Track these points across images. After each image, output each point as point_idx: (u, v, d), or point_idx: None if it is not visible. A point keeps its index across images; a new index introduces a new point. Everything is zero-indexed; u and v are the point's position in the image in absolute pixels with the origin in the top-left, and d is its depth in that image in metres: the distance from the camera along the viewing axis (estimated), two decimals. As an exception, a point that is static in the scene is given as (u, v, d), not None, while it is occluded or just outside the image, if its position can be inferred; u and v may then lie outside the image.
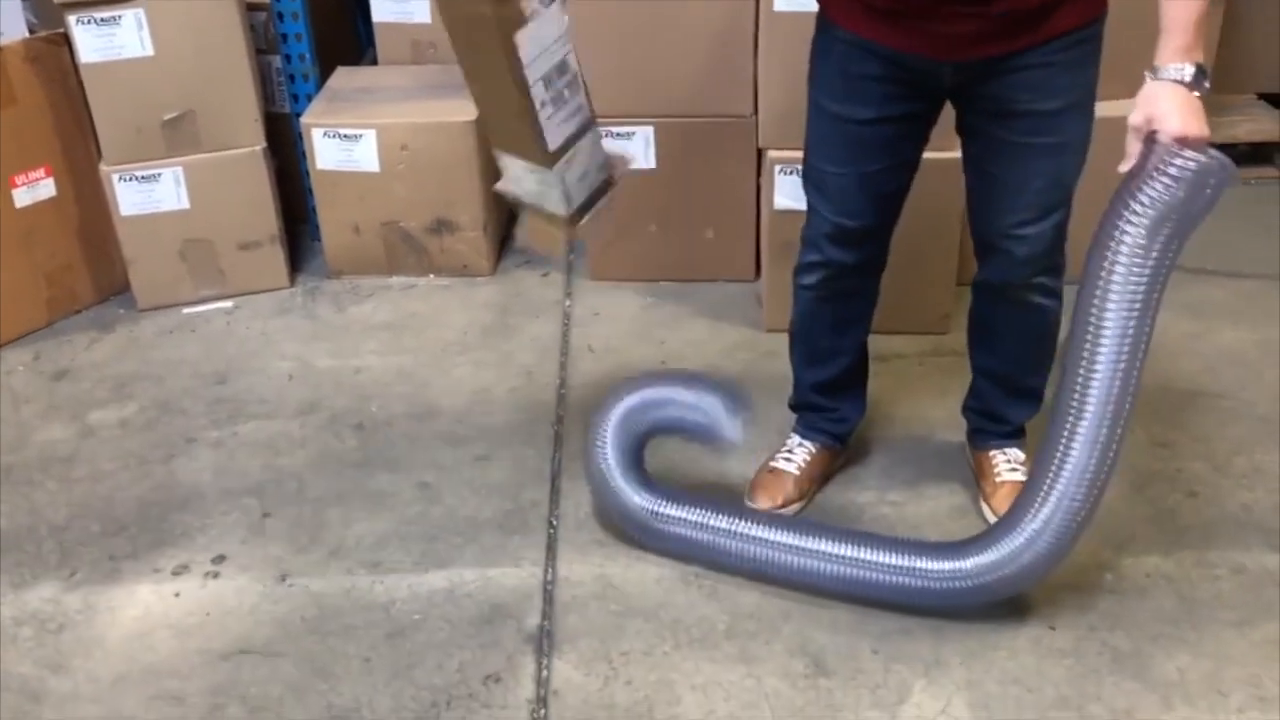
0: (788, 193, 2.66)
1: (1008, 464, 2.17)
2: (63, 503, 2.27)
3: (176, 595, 2.04)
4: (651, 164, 2.87)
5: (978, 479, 2.21)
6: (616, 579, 2.04)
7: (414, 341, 2.78)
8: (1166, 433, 2.38)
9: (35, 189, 2.79)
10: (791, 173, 2.69)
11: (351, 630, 1.95)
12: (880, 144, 1.90)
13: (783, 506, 2.15)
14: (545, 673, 1.85)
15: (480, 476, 2.31)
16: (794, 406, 2.27)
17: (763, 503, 2.16)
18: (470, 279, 3.02)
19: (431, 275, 3.04)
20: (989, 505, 2.14)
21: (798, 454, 2.22)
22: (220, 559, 2.12)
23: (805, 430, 2.25)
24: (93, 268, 2.95)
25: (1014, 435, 2.20)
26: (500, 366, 2.67)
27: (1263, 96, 3.53)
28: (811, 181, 2.01)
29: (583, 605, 1.98)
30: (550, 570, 2.07)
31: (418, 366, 2.68)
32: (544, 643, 1.91)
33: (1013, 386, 2.16)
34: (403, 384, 2.62)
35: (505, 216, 3.24)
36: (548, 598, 2.00)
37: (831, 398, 2.22)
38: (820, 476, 2.24)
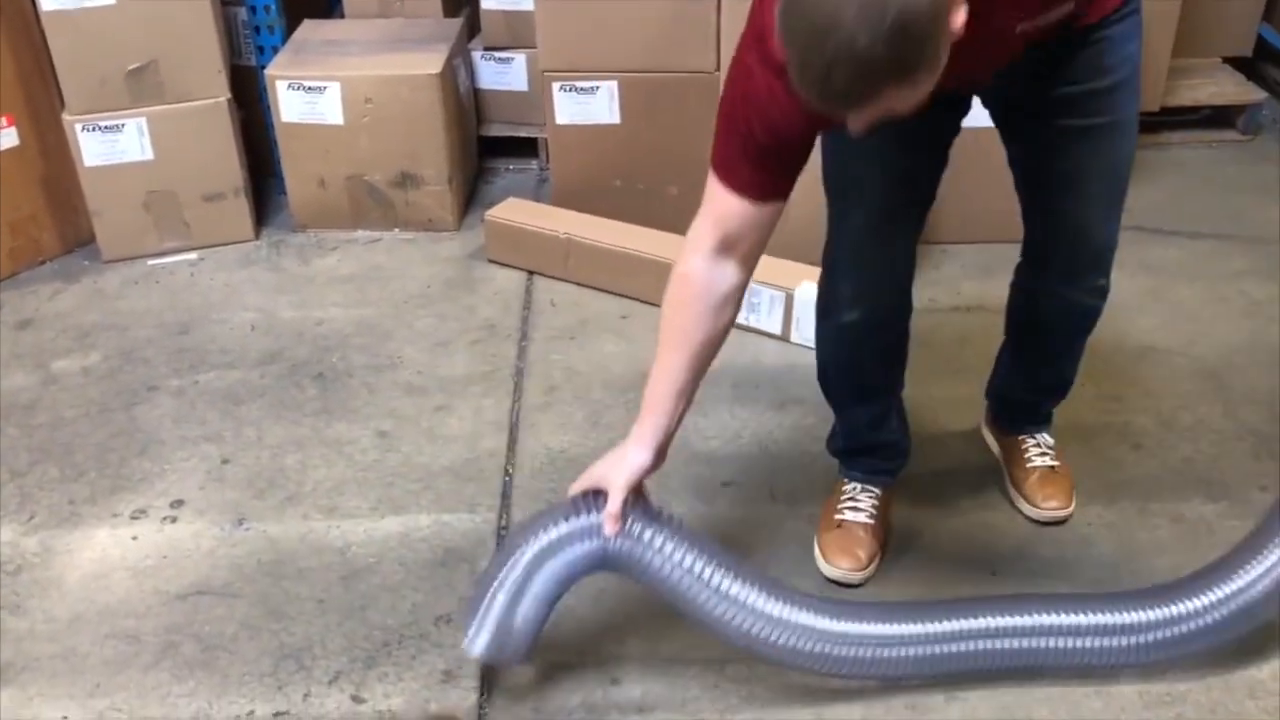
0: (749, 148, 2.68)
1: (1038, 449, 2.11)
2: (23, 448, 2.29)
3: (134, 539, 2.06)
4: (616, 119, 2.89)
5: (1005, 464, 2.15)
6: (569, 525, 2.07)
7: (377, 294, 2.80)
8: (1117, 387, 2.42)
9: (-3, 138, 2.79)
10: (753, 128, 2.71)
11: (306, 573, 1.98)
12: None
13: (867, 565, 1.94)
14: (496, 614, 1.89)
15: (438, 426, 2.33)
16: (842, 452, 2.05)
17: (845, 564, 1.93)
18: (435, 233, 3.04)
19: (396, 229, 3.05)
20: (1020, 492, 2.08)
21: (863, 500, 2.00)
22: (178, 504, 2.14)
23: (865, 475, 2.02)
24: (57, 219, 2.95)
25: (1046, 420, 2.15)
26: (462, 319, 2.69)
27: (1227, 60, 3.56)
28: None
29: (535, 550, 2.02)
30: (505, 516, 2.10)
31: (380, 318, 2.70)
32: (495, 585, 1.94)
33: (1054, 380, 2.09)
34: (364, 335, 2.64)
35: (471, 172, 3.25)
36: (500, 542, 2.03)
37: (886, 431, 2.01)
38: (889, 520, 2.02)
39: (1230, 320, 2.64)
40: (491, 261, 2.91)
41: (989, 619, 1.67)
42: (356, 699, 1.74)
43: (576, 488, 1.66)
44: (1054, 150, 1.74)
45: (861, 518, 1.98)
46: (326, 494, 2.15)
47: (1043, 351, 2.05)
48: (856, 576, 1.93)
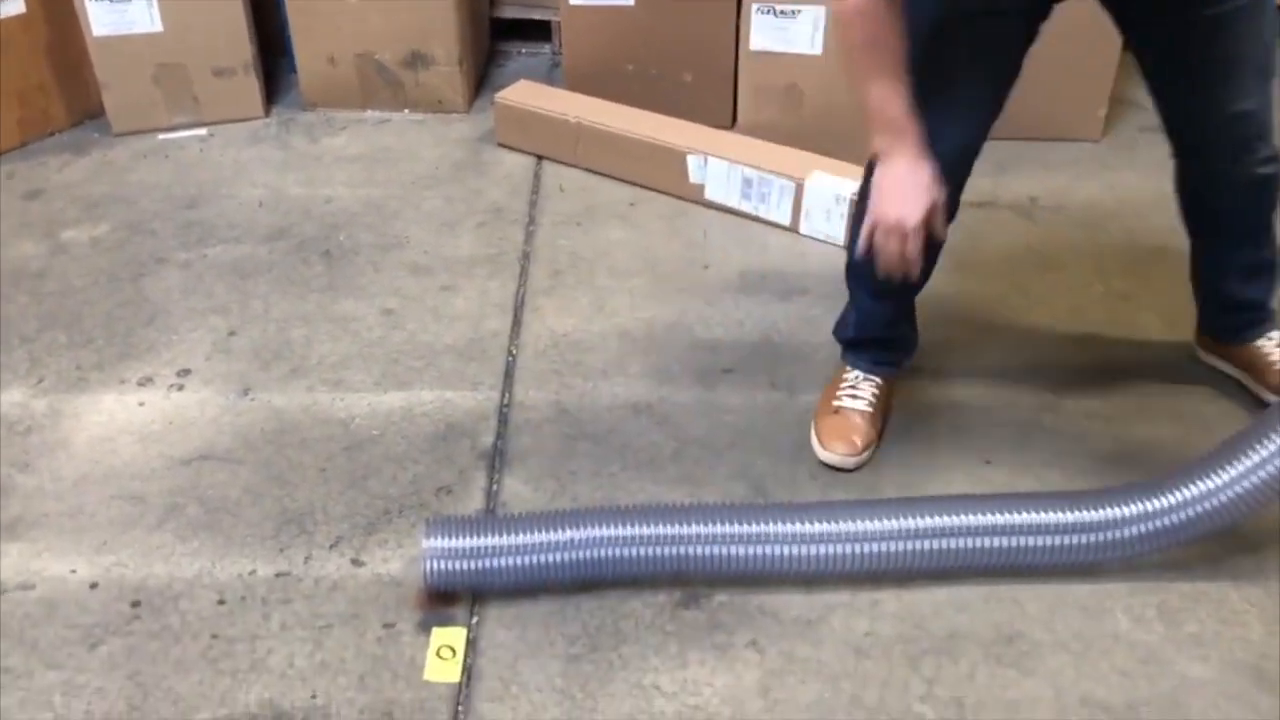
0: (765, 34, 2.64)
1: (1278, 346, 2.07)
2: (32, 315, 2.31)
3: (141, 405, 2.09)
4: (630, 1, 2.83)
5: (1251, 373, 2.08)
6: (571, 405, 2.09)
7: (385, 174, 2.78)
8: (1128, 287, 2.41)
9: (2, 4, 2.75)
10: (768, 12, 2.66)
11: (310, 442, 2.00)
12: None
13: (863, 451, 1.95)
14: (495, 486, 1.92)
15: (443, 305, 2.34)
16: (853, 342, 2.06)
17: (840, 449, 1.94)
18: (445, 115, 3.01)
19: (406, 110, 3.03)
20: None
21: (864, 389, 2.00)
22: (185, 373, 2.16)
23: (870, 365, 2.03)
24: (66, 90, 2.94)
25: (1272, 317, 2.08)
26: (469, 201, 2.68)
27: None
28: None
29: (536, 428, 2.04)
30: (507, 395, 2.12)
31: (387, 198, 2.69)
32: (496, 459, 1.97)
33: (1259, 260, 2.02)
34: (371, 214, 2.63)
35: (482, 54, 3.21)
36: (503, 419, 2.06)
37: (899, 326, 2.04)
38: (888, 410, 2.03)
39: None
40: (501, 145, 2.88)
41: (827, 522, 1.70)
42: (356, 562, 1.78)
43: (865, 242, 1.66)
44: (1194, 41, 1.70)
45: (860, 405, 1.99)
46: (331, 368, 2.17)
47: (1236, 237, 2.00)
48: (851, 461, 1.95)
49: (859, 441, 1.95)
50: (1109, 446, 2.00)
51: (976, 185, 2.73)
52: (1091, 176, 2.79)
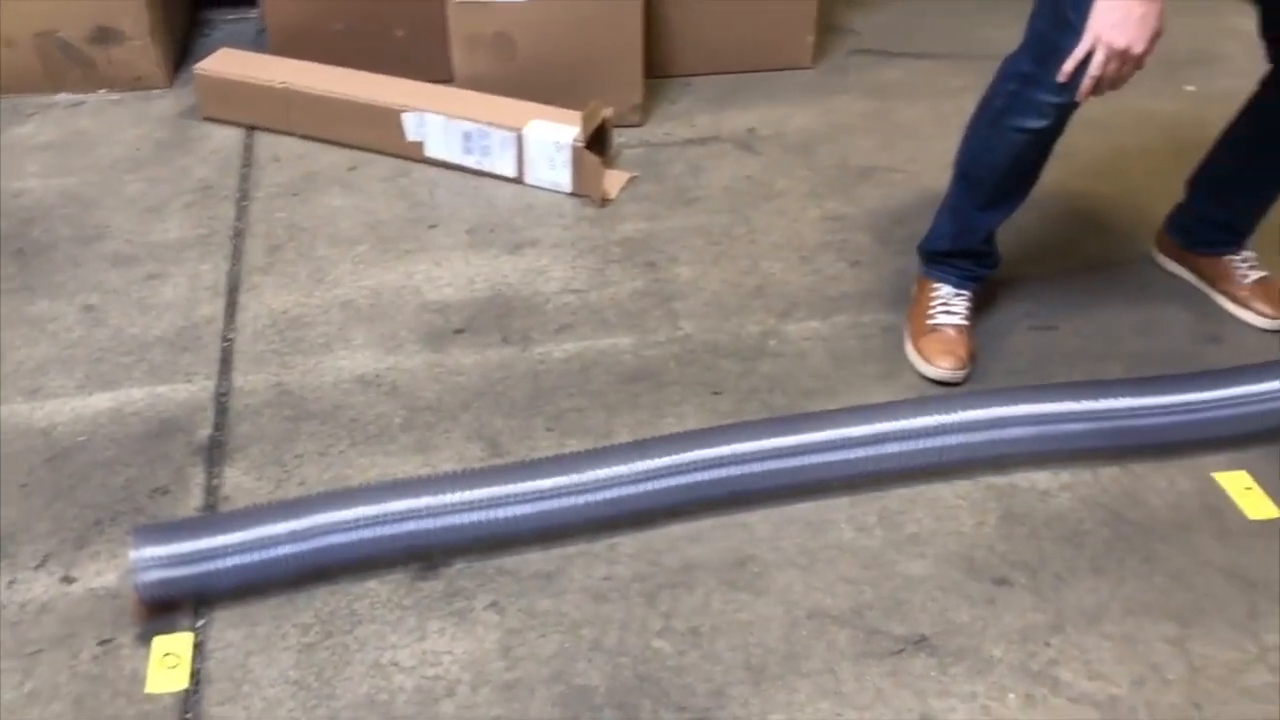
0: (468, -17, 2.57)
1: (1248, 264, 2.17)
2: None
3: None
4: (328, -43, 2.71)
5: (1216, 283, 2.19)
6: (293, 385, 2.01)
7: (81, 161, 2.59)
8: (840, 207, 2.49)
9: None
10: (468, -39, 2.59)
11: (8, 459, 1.85)
12: None
13: (969, 363, 2.00)
14: (215, 481, 1.83)
15: (151, 296, 2.20)
16: (950, 254, 2.07)
17: (948, 363, 1.98)
18: (145, 92, 2.82)
19: (102, 90, 2.82)
20: (1249, 309, 2.14)
21: (957, 305, 2.05)
22: None
23: (960, 279, 2.06)
24: None
25: (1246, 240, 2.19)
26: (175, 182, 2.53)
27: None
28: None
29: (256, 413, 1.95)
30: (224, 383, 2.02)
31: (85, 186, 2.51)
32: (214, 452, 1.88)
33: (1275, 196, 2.12)
34: (68, 206, 2.45)
35: (181, 24, 3.03)
36: (220, 409, 1.96)
37: (993, 240, 2.07)
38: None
39: (947, 137, 2.67)
40: (208, 119, 2.73)
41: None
42: (67, 580, 1.67)
43: (1073, 64, 1.66)
44: None
45: (957, 319, 2.04)
46: (28, 375, 2.02)
47: (1274, 167, 2.08)
48: (960, 375, 2.00)
49: (964, 354, 2.00)
50: (828, 365, 2.07)
51: (698, 121, 2.82)
52: (806, 104, 2.87)
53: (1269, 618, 1.62)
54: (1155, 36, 1.61)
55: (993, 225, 2.04)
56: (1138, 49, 1.61)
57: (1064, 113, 1.82)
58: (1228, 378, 1.88)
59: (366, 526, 1.64)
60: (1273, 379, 1.87)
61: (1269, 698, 1.52)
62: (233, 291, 2.22)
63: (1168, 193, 2.26)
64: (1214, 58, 3.03)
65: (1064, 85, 1.70)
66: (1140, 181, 2.55)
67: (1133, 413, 1.82)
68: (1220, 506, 1.80)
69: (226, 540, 1.60)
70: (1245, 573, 1.69)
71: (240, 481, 1.83)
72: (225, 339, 2.11)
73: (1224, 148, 2.14)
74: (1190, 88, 2.92)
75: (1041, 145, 1.90)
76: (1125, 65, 1.63)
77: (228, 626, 1.61)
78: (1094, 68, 1.64)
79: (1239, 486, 1.83)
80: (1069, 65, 1.67)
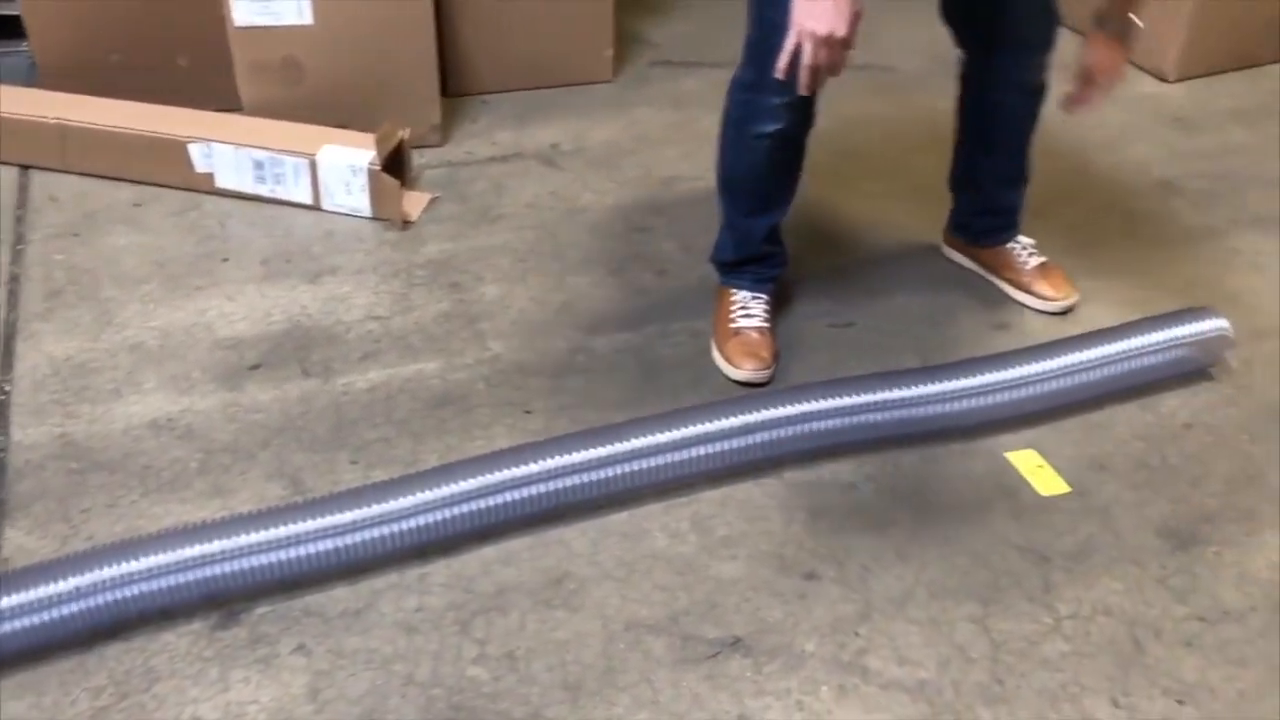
0: (248, 7, 2.49)
1: (1028, 251, 2.28)
2: None
3: None
4: (97, -16, 2.59)
5: (1000, 272, 2.29)
6: (78, 436, 1.90)
7: None
8: (646, 218, 2.51)
9: None
10: (247, -16, 2.51)
11: None
12: None
13: (771, 364, 2.05)
14: (-7, 545, 1.71)
15: (-85, 351, 2.06)
16: (736, 263, 2.14)
17: (750, 365, 2.04)
18: (-96, 134, 2.64)
19: None
20: (1031, 294, 2.24)
21: (755, 308, 2.11)
22: None
23: (754, 283, 2.14)
24: None
25: (1019, 224, 2.29)
26: (-59, 227, 2.37)
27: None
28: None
29: (38, 468, 1.84)
30: (4, 437, 1.90)
31: None
32: (-9, 514, 1.76)
33: (1019, 174, 2.22)
34: None
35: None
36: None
37: (773, 241, 2.13)
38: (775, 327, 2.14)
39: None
40: (-24, 160, 2.57)
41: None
42: None
43: (787, 60, 1.67)
44: None
45: (756, 322, 2.09)
46: None
47: (1006, 147, 2.19)
48: (764, 375, 2.04)
49: (767, 355, 2.05)
50: (638, 376, 2.07)
51: (499, 138, 2.80)
52: (607, 117, 2.88)
53: (1062, 589, 1.70)
54: (855, 18, 1.67)
55: (765, 229, 2.09)
56: (840, 32, 1.66)
57: (795, 111, 1.90)
58: (1014, 360, 1.96)
59: (158, 576, 1.56)
60: (1056, 357, 1.97)
61: (1065, 666, 1.59)
62: (9, 340, 2.09)
63: (952, 188, 2.36)
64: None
65: (785, 84, 1.75)
66: (929, 178, 2.65)
67: (927, 399, 1.89)
68: (1014, 485, 1.87)
69: (4, 604, 1.50)
70: (1039, 548, 1.76)
71: (22, 542, 1.71)
72: (2, 391, 1.98)
73: (959, 146, 2.27)
74: (972, 87, 3.06)
75: (787, 146, 1.98)
76: (834, 50, 1.68)
77: (10, 698, 1.50)
78: (806, 58, 1.69)
79: (1030, 465, 1.91)
80: (782, 62, 1.72)
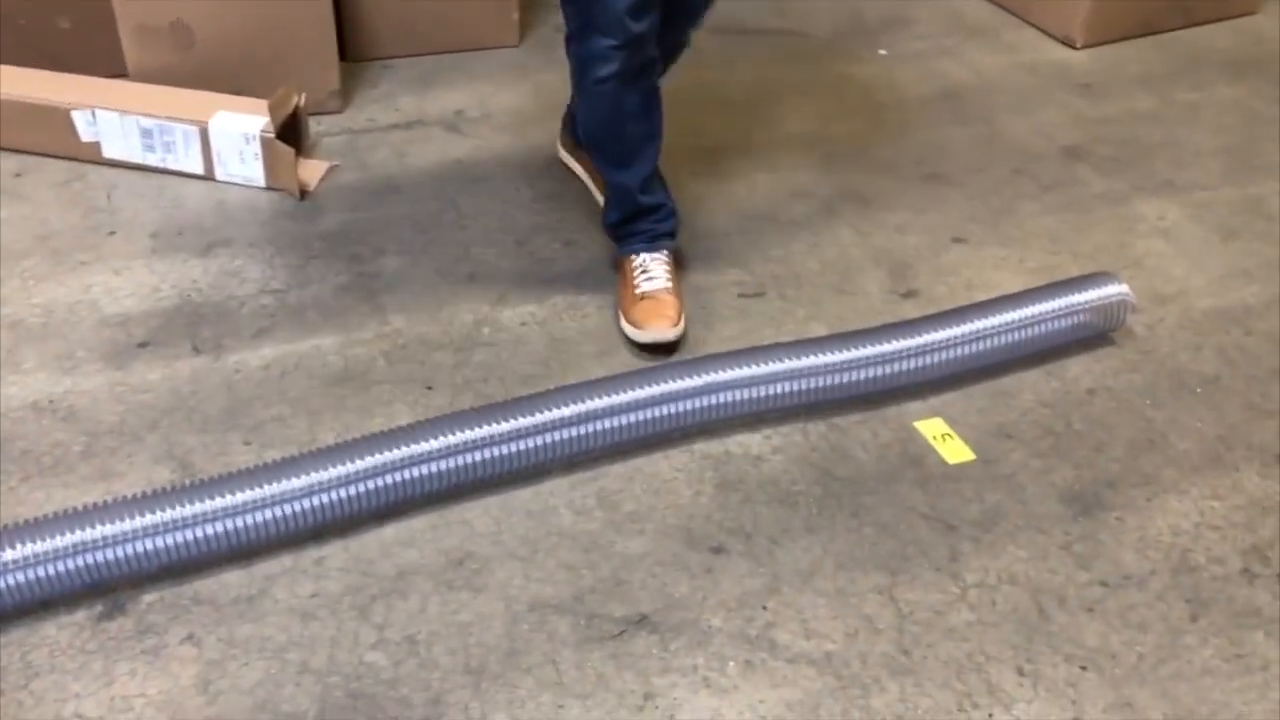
0: (131, -33, 2.37)
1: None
2: None
3: None
4: (-32, -58, 2.45)
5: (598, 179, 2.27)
6: (-48, 419, 1.81)
7: None
8: (552, 187, 2.45)
9: None
10: (130, -57, 2.40)
11: None
12: None
13: (679, 322, 2.00)
14: None
15: None
16: (620, 223, 2.09)
17: (660, 324, 1.98)
18: None
19: None
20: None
21: (656, 269, 2.05)
22: None
23: (649, 242, 2.09)
24: None
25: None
26: None
27: None
28: None
29: (-93, 454, 1.75)
30: None
31: None
32: None
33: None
34: None
35: None
36: None
37: (657, 191, 2.08)
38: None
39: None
40: None
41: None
42: None
43: None
44: None
45: (660, 283, 2.04)
46: None
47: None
48: (673, 333, 1.99)
49: (674, 314, 2.00)
50: (545, 349, 2.03)
51: (401, 104, 2.72)
52: (513, 83, 2.81)
53: (969, 558, 1.70)
54: None
55: (638, 181, 2.06)
56: None
57: (626, 50, 1.87)
58: (920, 327, 1.95)
59: (32, 565, 1.49)
60: (961, 324, 1.96)
61: (970, 635, 1.59)
62: (-124, 322, 1.98)
63: (870, 153, 2.33)
64: (905, 22, 3.17)
65: (609, 26, 1.80)
66: (839, 145, 2.63)
67: (834, 367, 1.87)
68: (921, 454, 1.87)
69: None
70: (945, 517, 1.76)
71: (-113, 534, 1.62)
72: None
73: None
74: (883, 51, 3.03)
75: (629, 89, 1.94)
76: None
77: (-125, 700, 1.42)
78: None
79: (937, 433, 1.91)
80: None
